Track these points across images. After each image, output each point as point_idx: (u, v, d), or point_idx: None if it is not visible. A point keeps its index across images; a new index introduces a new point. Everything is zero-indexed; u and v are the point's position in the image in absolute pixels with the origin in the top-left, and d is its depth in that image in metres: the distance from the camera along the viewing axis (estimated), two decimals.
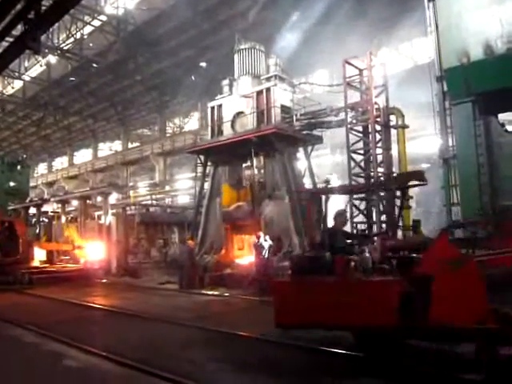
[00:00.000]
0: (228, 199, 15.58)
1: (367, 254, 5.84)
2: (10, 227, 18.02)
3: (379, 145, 12.97)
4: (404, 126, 13.06)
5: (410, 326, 4.87)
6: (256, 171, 15.52)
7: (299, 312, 5.52)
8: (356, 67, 13.62)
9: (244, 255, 15.31)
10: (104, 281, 17.39)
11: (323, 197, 6.92)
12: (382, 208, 12.42)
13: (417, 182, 6.60)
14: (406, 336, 5.13)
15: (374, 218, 12.76)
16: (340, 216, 6.68)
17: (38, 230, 22.49)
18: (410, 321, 4.83)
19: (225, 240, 15.54)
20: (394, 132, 13.34)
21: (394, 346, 5.18)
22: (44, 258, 19.13)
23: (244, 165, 16.97)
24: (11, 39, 5.72)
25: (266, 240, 12.82)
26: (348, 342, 6.23)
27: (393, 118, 13.35)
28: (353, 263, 5.66)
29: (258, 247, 12.72)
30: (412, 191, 13.78)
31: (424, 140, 18.41)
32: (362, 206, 13.15)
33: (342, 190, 9.06)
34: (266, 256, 12.56)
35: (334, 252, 5.85)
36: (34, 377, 5.63)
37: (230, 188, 15.89)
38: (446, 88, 11.00)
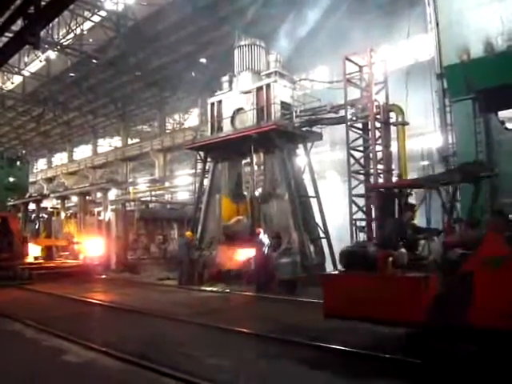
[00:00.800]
0: (228, 212, 15.51)
1: (403, 250, 5.89)
2: (4, 223, 17.72)
3: (379, 142, 12.96)
4: (404, 123, 13.03)
5: (442, 326, 4.78)
6: (256, 168, 15.52)
7: (345, 305, 5.73)
8: (356, 64, 13.58)
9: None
10: (103, 276, 17.43)
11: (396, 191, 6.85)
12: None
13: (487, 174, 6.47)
14: (439, 336, 5.04)
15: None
16: (409, 210, 6.61)
17: (37, 226, 22.49)
18: (444, 320, 4.73)
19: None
20: (394, 129, 13.32)
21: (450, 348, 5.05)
22: (39, 254, 18.92)
23: (244, 161, 16.97)
24: (11, 34, 5.72)
25: (265, 237, 12.84)
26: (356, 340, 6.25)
27: (393, 115, 13.33)
28: (391, 258, 5.68)
29: (258, 244, 12.73)
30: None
31: (424, 137, 18.39)
32: (362, 202, 13.14)
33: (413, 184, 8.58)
34: (266, 252, 12.58)
35: (385, 246, 5.93)
36: (34, 372, 5.64)
37: (229, 201, 15.82)
38: (446, 85, 10.98)
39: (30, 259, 17.91)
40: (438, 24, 10.78)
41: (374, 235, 7.39)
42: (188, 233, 15.96)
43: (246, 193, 15.92)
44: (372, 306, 5.39)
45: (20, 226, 19.49)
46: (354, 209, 12.87)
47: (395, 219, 6.68)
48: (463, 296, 4.66)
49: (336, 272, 6.42)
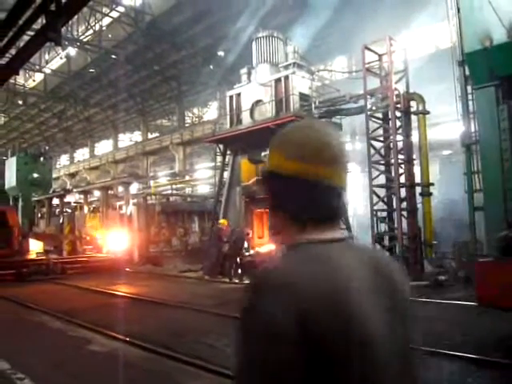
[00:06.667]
0: (247, 174, 15.74)
1: None
2: (2, 217, 16.58)
3: (399, 131, 12.80)
4: (424, 112, 12.83)
5: None
6: None
7: (502, 294, 5.26)
8: (375, 53, 13.42)
9: (264, 243, 15.38)
10: (127, 269, 17.69)
11: None
12: None
13: None
14: None
15: None
16: None
17: (61, 221, 22.95)
18: None
19: (244, 217, 15.71)
20: (414, 118, 13.13)
21: None
22: (41, 249, 17.98)
23: (263, 153, 16.95)
24: (32, 33, 5.84)
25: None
26: None
27: (413, 104, 13.13)
28: None
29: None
30: (433, 178, 13.65)
31: (446, 126, 18.10)
32: (382, 193, 13.03)
33: None
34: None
35: None
36: (62, 359, 5.80)
37: (248, 163, 16.01)
38: (468, 72, 10.75)
39: (32, 255, 17.00)
40: (459, 10, 10.54)
41: None
42: (222, 221, 15.62)
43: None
44: None
45: (18, 220, 18.38)
46: (375, 199, 12.78)
47: None
48: None
49: (491, 259, 5.79)
